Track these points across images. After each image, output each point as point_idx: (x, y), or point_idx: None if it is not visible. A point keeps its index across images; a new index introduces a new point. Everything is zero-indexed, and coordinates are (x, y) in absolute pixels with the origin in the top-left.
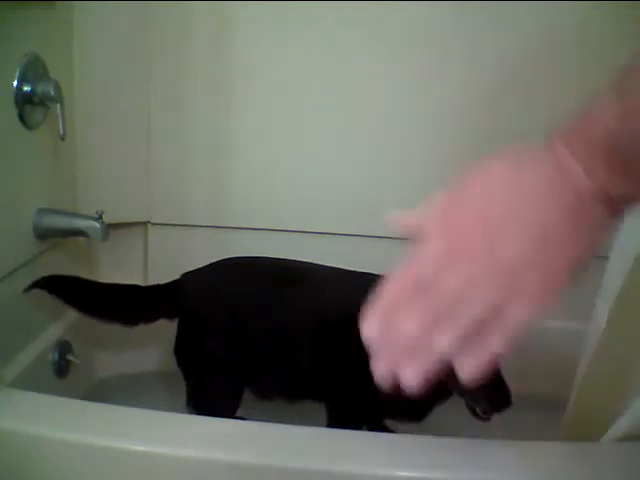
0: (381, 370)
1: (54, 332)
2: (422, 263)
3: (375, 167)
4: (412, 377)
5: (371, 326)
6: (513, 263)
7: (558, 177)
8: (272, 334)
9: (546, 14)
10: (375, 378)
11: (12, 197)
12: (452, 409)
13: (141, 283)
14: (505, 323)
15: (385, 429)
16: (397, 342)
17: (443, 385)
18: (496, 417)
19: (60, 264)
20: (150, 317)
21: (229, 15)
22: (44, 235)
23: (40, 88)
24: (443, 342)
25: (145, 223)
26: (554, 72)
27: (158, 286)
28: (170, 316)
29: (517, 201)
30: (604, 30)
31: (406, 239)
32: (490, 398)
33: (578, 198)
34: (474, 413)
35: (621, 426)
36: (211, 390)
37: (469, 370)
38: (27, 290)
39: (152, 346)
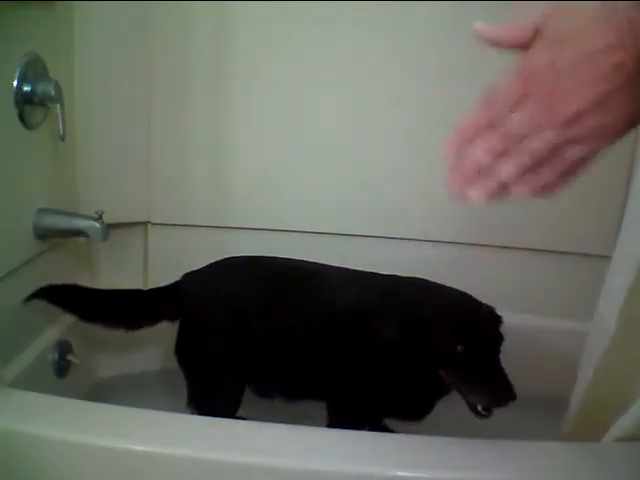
0: (452, 186)
1: (54, 332)
2: (497, 100)
3: (375, 167)
4: (476, 195)
5: (449, 149)
6: (575, 111)
7: (628, 37)
8: (273, 333)
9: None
10: (448, 192)
11: (12, 197)
12: (452, 409)
13: (141, 283)
14: (561, 161)
15: (385, 429)
16: (468, 165)
17: (440, 381)
18: (496, 417)
19: (60, 264)
20: (152, 320)
21: (229, 15)
22: (44, 235)
23: (40, 88)
24: (506, 169)
25: (145, 223)
26: None
27: (158, 289)
28: (172, 318)
29: (586, 52)
30: None
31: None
32: (493, 393)
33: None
34: (474, 410)
35: (622, 426)
36: (212, 390)
37: (522, 191)
38: (27, 301)
39: (152, 345)
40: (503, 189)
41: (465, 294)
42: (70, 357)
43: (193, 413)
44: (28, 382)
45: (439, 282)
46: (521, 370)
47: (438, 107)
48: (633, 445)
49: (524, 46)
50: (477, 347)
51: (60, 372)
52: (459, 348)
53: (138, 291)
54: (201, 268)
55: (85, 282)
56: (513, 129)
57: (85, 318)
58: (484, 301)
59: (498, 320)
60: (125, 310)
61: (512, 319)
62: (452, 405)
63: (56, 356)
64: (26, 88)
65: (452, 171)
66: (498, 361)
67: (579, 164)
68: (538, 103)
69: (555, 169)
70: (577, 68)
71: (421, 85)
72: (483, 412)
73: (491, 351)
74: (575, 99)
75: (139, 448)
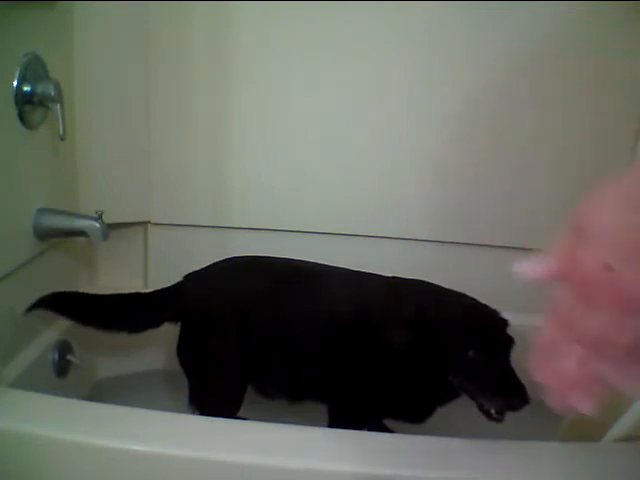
0: (554, 402)
1: (54, 332)
2: (564, 314)
3: (375, 167)
4: (580, 404)
5: (535, 367)
6: None
7: None
8: (275, 334)
9: (547, 13)
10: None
11: (12, 197)
12: (453, 409)
13: (141, 283)
14: None
15: (385, 429)
16: (560, 377)
17: (444, 388)
18: None
19: (60, 264)
20: (155, 323)
21: (229, 15)
22: (44, 235)
23: (40, 88)
24: (603, 370)
25: (145, 223)
26: (556, 71)
27: (160, 291)
28: (174, 320)
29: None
30: (606, 29)
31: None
32: (508, 397)
33: None
34: (487, 414)
35: (621, 426)
36: (213, 389)
37: (620, 381)
38: (28, 311)
39: (152, 346)
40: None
41: (469, 297)
42: (70, 357)
43: (194, 413)
44: (28, 382)
45: (439, 282)
46: (521, 370)
47: (439, 108)
48: (633, 445)
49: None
50: (490, 351)
51: (60, 372)
52: (471, 352)
53: (139, 294)
54: (202, 269)
55: (85, 282)
56: (595, 335)
57: (88, 324)
58: (484, 301)
59: (505, 323)
60: (127, 314)
61: (512, 319)
62: (452, 405)
63: (56, 356)
64: (26, 88)
65: (548, 388)
66: (510, 364)
67: None
68: (608, 304)
69: None
70: (633, 254)
71: (421, 86)
72: (496, 415)
73: (503, 354)
74: None
75: (139, 448)
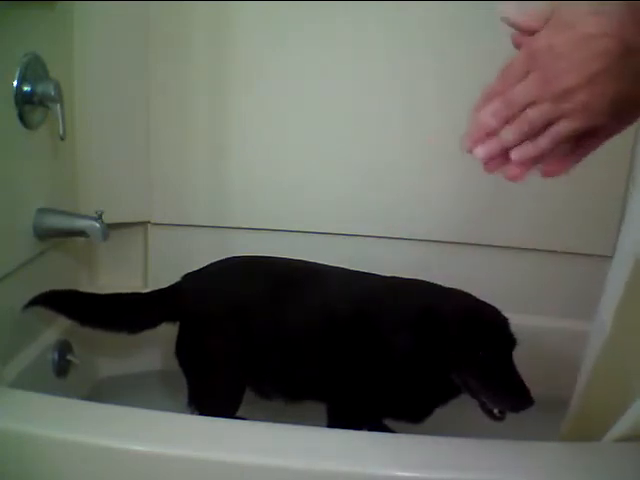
0: (466, 144)
1: (54, 332)
2: (507, 73)
3: (374, 168)
4: (479, 152)
5: (473, 113)
6: (567, 89)
7: (615, 27)
8: (274, 334)
9: None
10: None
11: (12, 197)
12: (453, 409)
13: (141, 283)
14: (553, 130)
15: (385, 429)
16: (477, 126)
17: (444, 387)
18: None
19: (60, 264)
20: (153, 323)
21: (229, 15)
22: (44, 235)
23: (40, 88)
24: (508, 133)
25: (145, 223)
26: None
27: (158, 291)
28: (172, 319)
29: (580, 37)
30: None
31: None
32: (512, 398)
33: (628, 50)
34: (489, 413)
35: (621, 426)
36: (212, 389)
37: (517, 155)
38: (26, 308)
39: (152, 346)
40: (504, 153)
41: (471, 296)
42: (70, 357)
43: (193, 413)
44: (28, 382)
45: (439, 282)
46: (520, 370)
47: (438, 107)
48: (633, 445)
49: (536, 31)
50: (497, 350)
51: (60, 372)
52: (480, 352)
53: (137, 294)
54: (201, 268)
55: (85, 282)
56: (514, 97)
57: (86, 323)
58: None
59: (506, 322)
60: (125, 314)
61: (512, 319)
62: (452, 405)
63: (56, 356)
64: (26, 88)
65: (469, 131)
66: (513, 365)
67: (569, 138)
68: (537, 78)
69: (549, 139)
70: (571, 50)
71: (421, 86)
72: (498, 415)
73: (507, 354)
74: (568, 76)
75: (139, 448)
